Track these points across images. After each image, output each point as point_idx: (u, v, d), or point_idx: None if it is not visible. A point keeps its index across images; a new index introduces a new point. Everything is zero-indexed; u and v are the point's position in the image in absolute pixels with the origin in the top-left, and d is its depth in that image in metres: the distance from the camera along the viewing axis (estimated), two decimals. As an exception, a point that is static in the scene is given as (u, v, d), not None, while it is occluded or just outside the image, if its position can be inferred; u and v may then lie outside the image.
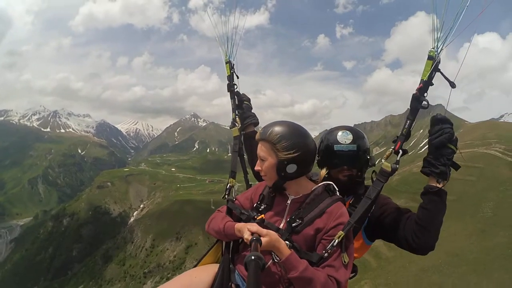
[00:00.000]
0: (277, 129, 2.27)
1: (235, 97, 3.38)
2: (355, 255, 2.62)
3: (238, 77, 3.40)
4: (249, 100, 3.47)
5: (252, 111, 3.48)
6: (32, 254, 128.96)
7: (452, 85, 2.33)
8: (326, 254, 2.14)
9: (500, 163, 68.69)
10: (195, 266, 2.73)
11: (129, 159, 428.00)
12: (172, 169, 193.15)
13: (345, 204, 2.40)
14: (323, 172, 2.56)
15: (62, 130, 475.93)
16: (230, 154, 3.41)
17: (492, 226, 45.02)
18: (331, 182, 2.40)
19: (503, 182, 58.62)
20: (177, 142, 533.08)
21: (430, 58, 2.31)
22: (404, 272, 39.73)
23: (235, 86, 3.36)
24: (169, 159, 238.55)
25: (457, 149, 2.41)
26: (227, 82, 3.37)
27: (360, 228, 2.70)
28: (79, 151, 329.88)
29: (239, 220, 2.50)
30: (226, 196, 2.79)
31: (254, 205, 2.52)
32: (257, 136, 2.37)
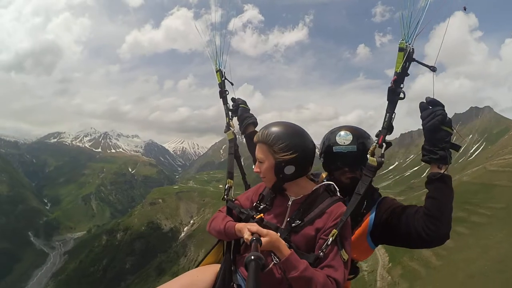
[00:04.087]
0: (274, 130, 2.27)
1: (227, 103, 3.52)
2: (358, 258, 2.72)
3: (232, 84, 3.54)
4: (244, 102, 3.56)
5: (251, 112, 3.58)
6: (86, 265, 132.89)
7: (433, 69, 2.27)
8: (321, 254, 2.13)
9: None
10: (196, 266, 2.73)
11: (177, 176, 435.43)
12: (220, 186, 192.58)
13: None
14: (323, 175, 2.56)
15: (113, 150, 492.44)
16: None
17: (538, 235, 45.86)
18: (331, 183, 2.41)
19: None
20: (222, 160, 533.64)
21: (400, 49, 2.30)
22: (452, 279, 40.06)
23: (227, 92, 3.49)
24: (216, 176, 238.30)
25: (453, 130, 2.30)
26: (219, 89, 3.52)
27: (356, 224, 2.64)
28: (130, 169, 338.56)
29: (239, 219, 2.52)
30: (225, 196, 2.85)
31: (254, 204, 2.53)
32: (255, 139, 2.38)
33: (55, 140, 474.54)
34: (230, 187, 2.95)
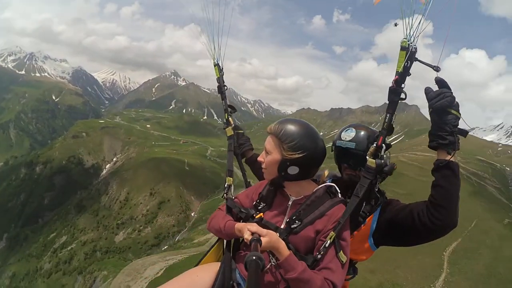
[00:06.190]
0: (288, 127, 2.24)
1: (226, 97, 3.40)
2: (359, 258, 2.70)
3: (226, 88, 3.41)
4: (239, 127, 3.51)
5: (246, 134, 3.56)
6: (4, 200, 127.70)
7: (437, 69, 2.14)
8: (319, 256, 2.12)
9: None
10: (196, 265, 2.71)
11: (103, 110, 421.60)
12: (147, 126, 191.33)
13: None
14: (325, 173, 2.55)
15: (38, 74, 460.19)
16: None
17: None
18: (333, 184, 2.37)
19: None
20: (154, 99, 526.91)
21: (403, 48, 2.17)
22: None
23: (226, 87, 3.36)
24: (145, 114, 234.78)
25: (460, 115, 2.18)
26: (217, 84, 3.40)
27: (356, 227, 2.61)
28: (53, 97, 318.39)
29: (238, 218, 2.52)
30: (225, 194, 2.80)
31: (254, 203, 2.52)
32: (269, 129, 2.34)
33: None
34: (229, 185, 2.89)
